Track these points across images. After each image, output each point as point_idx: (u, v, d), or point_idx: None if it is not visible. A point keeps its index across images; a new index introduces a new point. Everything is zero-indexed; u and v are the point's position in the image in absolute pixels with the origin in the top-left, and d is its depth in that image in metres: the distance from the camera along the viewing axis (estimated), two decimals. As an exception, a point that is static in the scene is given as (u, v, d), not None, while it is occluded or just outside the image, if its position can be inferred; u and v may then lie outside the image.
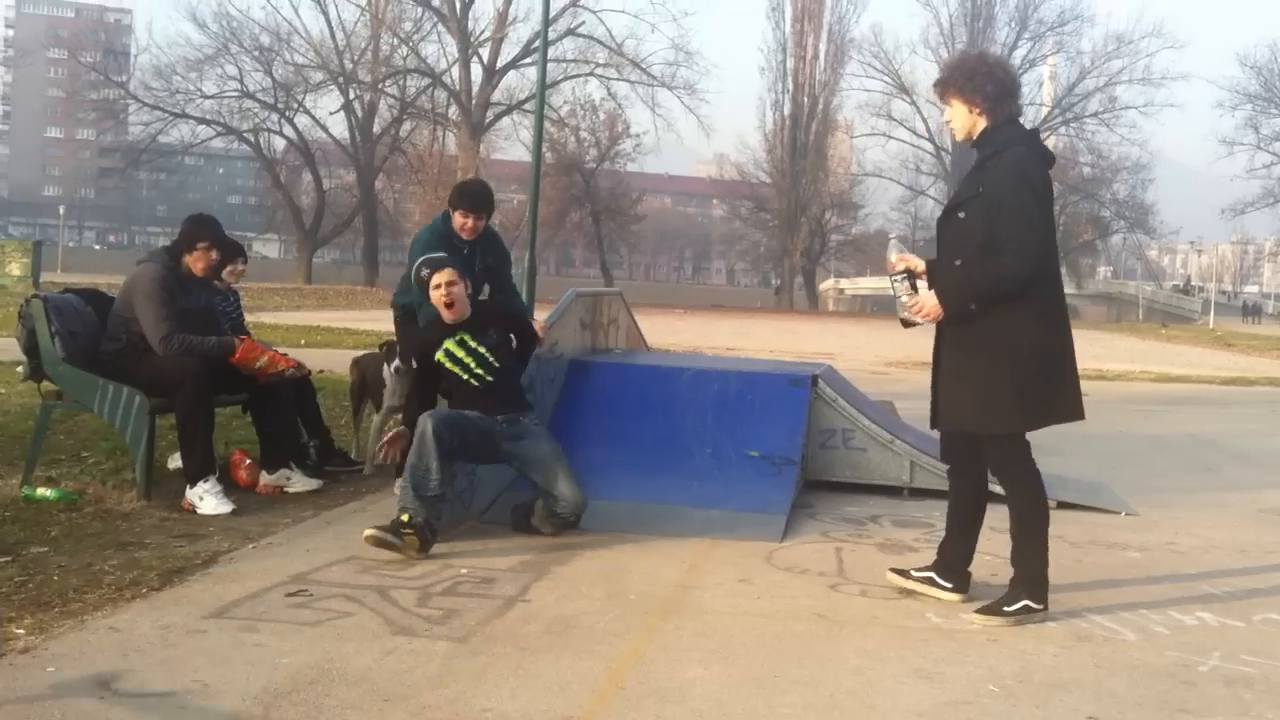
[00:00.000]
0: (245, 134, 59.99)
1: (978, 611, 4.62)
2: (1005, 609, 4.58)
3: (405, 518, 5.21)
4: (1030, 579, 4.62)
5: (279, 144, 62.85)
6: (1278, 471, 9.04)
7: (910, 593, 4.94)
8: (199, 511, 5.95)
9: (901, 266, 4.80)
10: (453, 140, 60.46)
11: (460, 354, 5.77)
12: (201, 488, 6.03)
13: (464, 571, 5.06)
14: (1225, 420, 12.69)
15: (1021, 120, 4.73)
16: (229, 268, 7.53)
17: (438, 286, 5.82)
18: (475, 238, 6.73)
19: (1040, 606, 4.59)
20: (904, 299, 4.80)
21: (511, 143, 62.86)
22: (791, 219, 70.05)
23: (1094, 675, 4.05)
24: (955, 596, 4.83)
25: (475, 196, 6.77)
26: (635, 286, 71.27)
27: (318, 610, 4.38)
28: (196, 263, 6.45)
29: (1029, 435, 4.72)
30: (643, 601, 4.65)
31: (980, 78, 4.61)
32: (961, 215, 4.59)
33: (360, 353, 9.01)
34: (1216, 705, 3.79)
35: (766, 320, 43.72)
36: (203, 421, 6.18)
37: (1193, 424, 11.53)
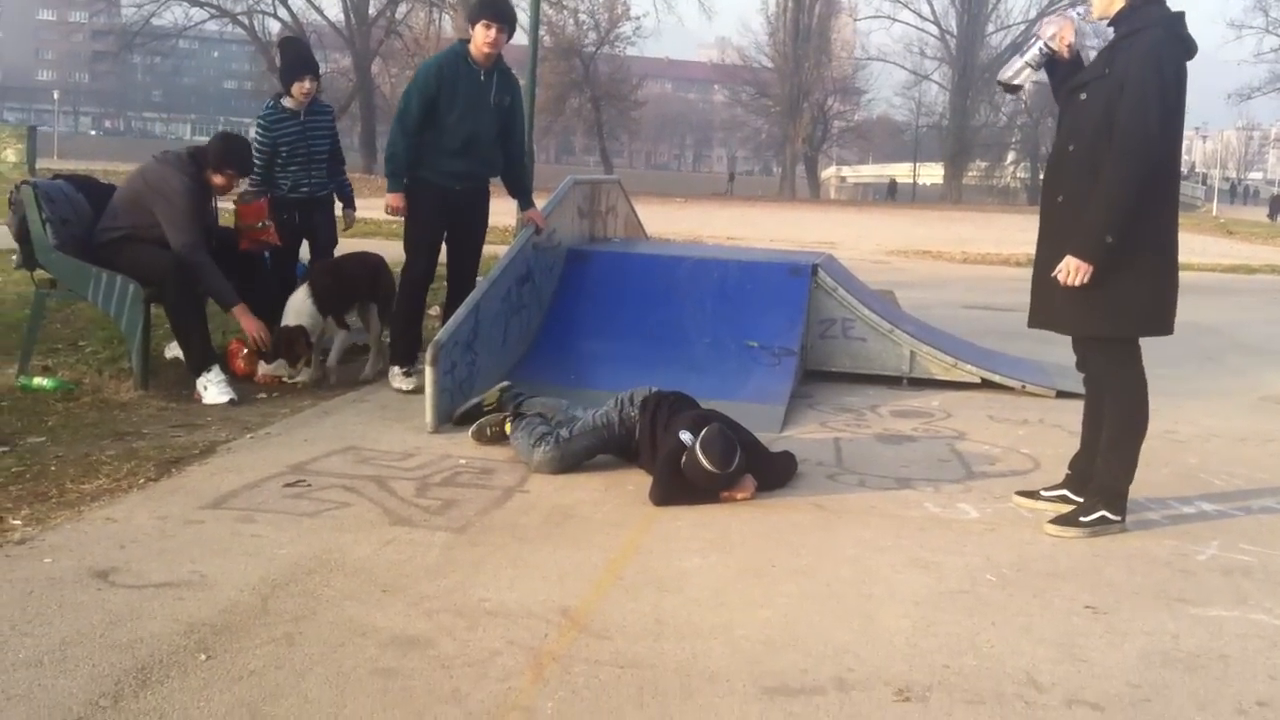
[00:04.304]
0: (239, 16, 58.77)
1: (1051, 522, 4.42)
2: (1081, 519, 4.39)
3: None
4: (1111, 490, 4.42)
5: (274, 27, 61.53)
6: (1279, 359, 9.02)
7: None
8: (204, 401, 5.95)
9: (1056, 43, 4.42)
10: (449, 22, 59.26)
11: None
12: (206, 378, 6.04)
13: (462, 462, 5.05)
14: (1227, 309, 12.64)
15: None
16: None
17: None
18: (493, 65, 6.37)
19: (1118, 519, 4.41)
20: (1020, 62, 4.53)
21: (509, 25, 61.52)
22: (793, 105, 69.03)
23: (1091, 564, 4.05)
24: None
25: (499, 4, 6.35)
26: (635, 175, 70.74)
27: (316, 501, 4.38)
28: (218, 181, 6.38)
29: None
30: (640, 492, 4.64)
31: None
32: (1083, 97, 4.30)
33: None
34: (1214, 594, 3.80)
35: (767, 209, 43.46)
36: (190, 314, 6.14)
37: (1194, 312, 11.42)
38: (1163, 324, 4.35)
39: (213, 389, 6.00)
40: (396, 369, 6.53)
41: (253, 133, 7.42)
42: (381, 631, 3.21)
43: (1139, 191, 4.12)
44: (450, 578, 3.65)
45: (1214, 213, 53.74)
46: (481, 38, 6.24)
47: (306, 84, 7.11)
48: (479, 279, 6.67)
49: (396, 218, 6.56)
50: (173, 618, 3.24)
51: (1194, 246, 24.00)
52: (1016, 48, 70.22)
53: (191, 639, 3.10)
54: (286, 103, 7.11)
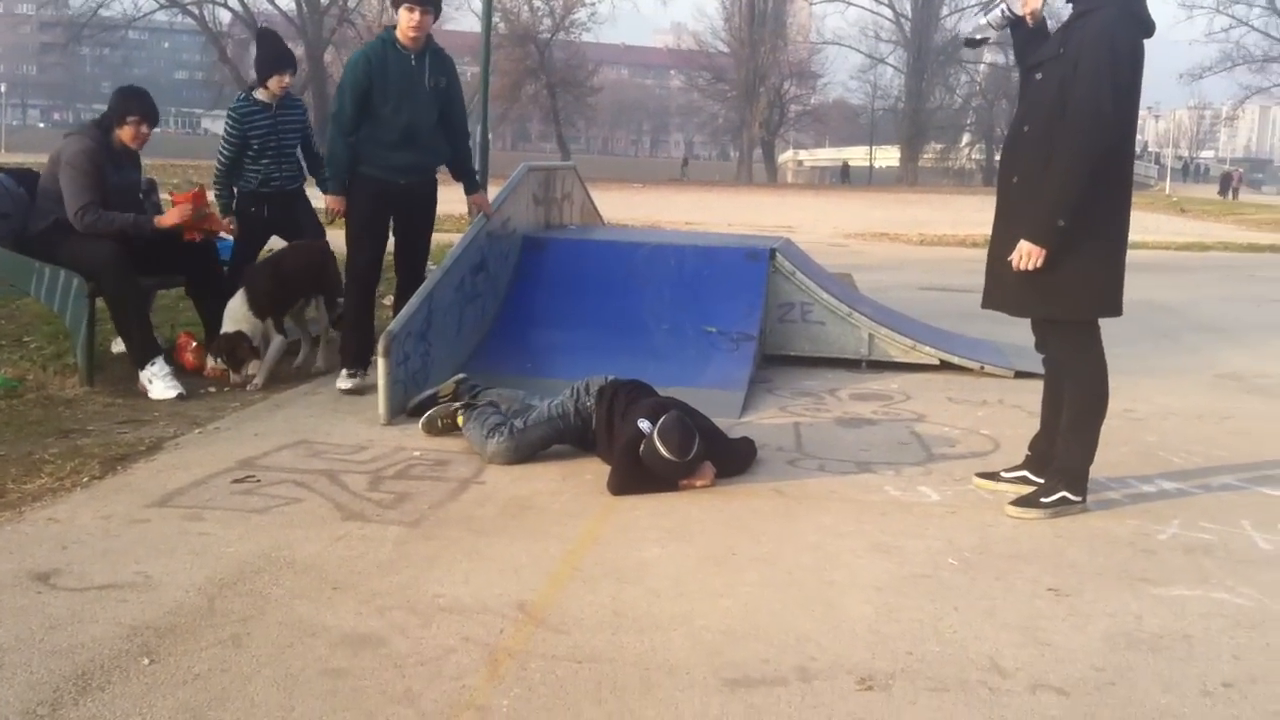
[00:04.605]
0: (189, 6, 58.09)
1: (1012, 504, 4.39)
2: (1042, 500, 4.36)
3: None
4: (1072, 471, 4.38)
5: (224, 16, 60.96)
6: (1234, 337, 9.06)
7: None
8: (150, 396, 5.81)
9: (1019, 8, 4.36)
10: (402, 11, 58.72)
11: None
12: (150, 371, 5.89)
13: (416, 454, 4.96)
14: (1182, 287, 12.73)
15: None
16: None
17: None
18: (423, 48, 6.11)
19: (1078, 499, 4.37)
20: (983, 20, 4.51)
21: (462, 12, 61.48)
22: (750, 89, 69.05)
23: (1053, 545, 4.02)
24: None
25: None
26: (592, 161, 70.45)
27: (265, 497, 4.28)
28: (126, 135, 6.19)
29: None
30: (599, 481, 4.57)
31: None
32: (1038, 77, 4.24)
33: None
34: (1176, 574, 3.77)
35: (725, 193, 43.45)
36: (132, 304, 6.00)
37: (1150, 290, 11.53)
38: (1115, 305, 4.31)
39: (158, 383, 5.86)
40: (344, 371, 6.22)
41: (223, 125, 7.27)
42: (331, 631, 3.13)
43: (1091, 174, 4.07)
44: (403, 573, 3.57)
45: (1167, 191, 54.28)
46: (406, 22, 6.01)
47: (286, 78, 7.00)
48: (432, 267, 6.56)
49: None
50: (115, 621, 3.13)
51: (1148, 225, 24.22)
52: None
53: (134, 642, 3.01)
54: (259, 95, 6.96)
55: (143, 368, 5.92)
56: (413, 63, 6.10)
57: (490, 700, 2.77)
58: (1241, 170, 64.91)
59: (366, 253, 6.27)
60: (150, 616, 3.18)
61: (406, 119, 6.10)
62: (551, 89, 64.04)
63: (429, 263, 6.69)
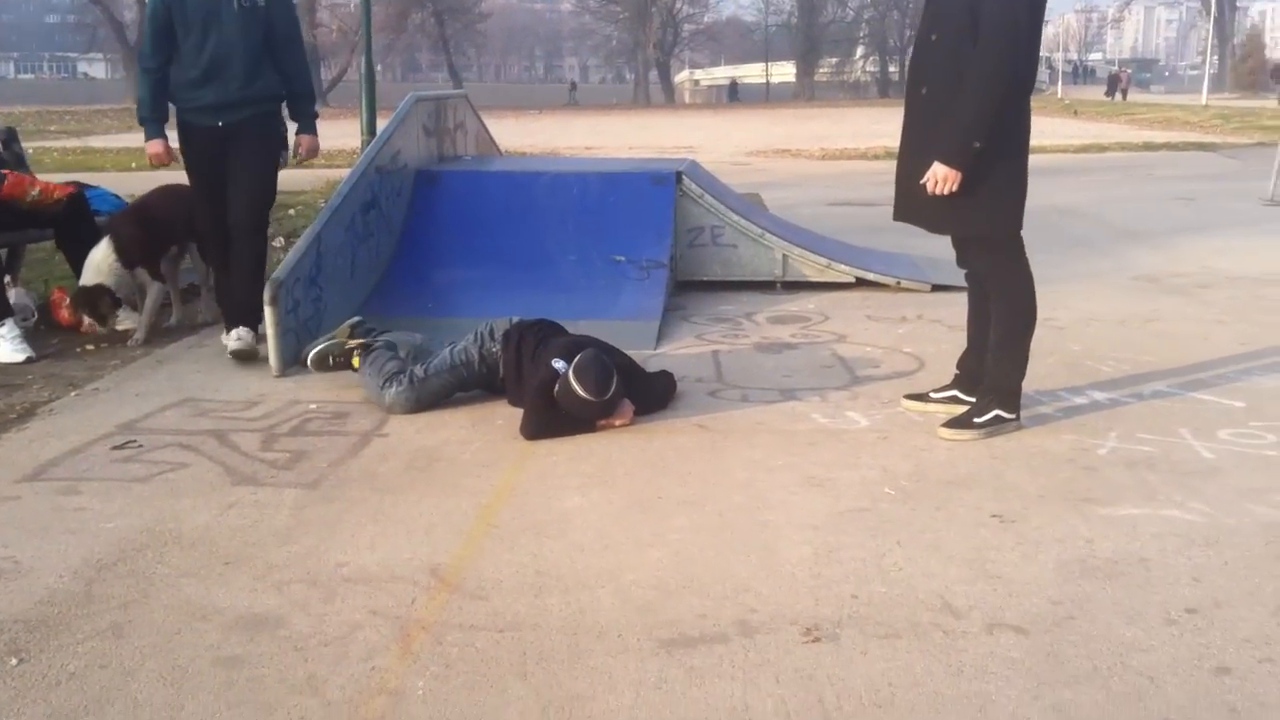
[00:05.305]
0: (53, -56, 55.53)
1: (945, 426, 4.20)
2: (975, 420, 4.17)
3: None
4: (1005, 388, 4.20)
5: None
6: (1144, 238, 8.99)
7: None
8: None
9: None
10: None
11: None
12: None
13: (313, 407, 4.62)
14: (1085, 189, 12.68)
15: None
16: None
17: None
18: None
19: (1012, 416, 4.20)
20: None
21: (342, -61, 59.34)
22: (642, 9, 68.10)
23: (991, 468, 3.84)
24: None
25: None
26: (486, 89, 69.29)
27: (148, 464, 3.93)
28: None
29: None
30: (511, 427, 4.28)
31: None
32: None
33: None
34: (1121, 491, 3.61)
35: (623, 116, 42.85)
36: None
37: (1056, 195, 11.44)
38: (1021, 219, 4.15)
39: (5, 345, 5.42)
40: (229, 332, 5.59)
41: None
42: (224, 612, 2.82)
43: (1005, 92, 3.87)
44: (302, 542, 3.26)
45: (1059, 95, 54.77)
46: None
47: None
48: (322, 204, 6.15)
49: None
50: (-22, 618, 2.81)
51: (1043, 129, 24.24)
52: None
53: (1, 640, 2.68)
54: None
55: None
56: None
57: (403, 682, 2.50)
58: (1129, 71, 65.62)
59: (206, 209, 5.63)
60: (19, 608, 2.85)
61: (211, 50, 5.35)
62: (439, 16, 62.63)
63: (321, 200, 6.20)
